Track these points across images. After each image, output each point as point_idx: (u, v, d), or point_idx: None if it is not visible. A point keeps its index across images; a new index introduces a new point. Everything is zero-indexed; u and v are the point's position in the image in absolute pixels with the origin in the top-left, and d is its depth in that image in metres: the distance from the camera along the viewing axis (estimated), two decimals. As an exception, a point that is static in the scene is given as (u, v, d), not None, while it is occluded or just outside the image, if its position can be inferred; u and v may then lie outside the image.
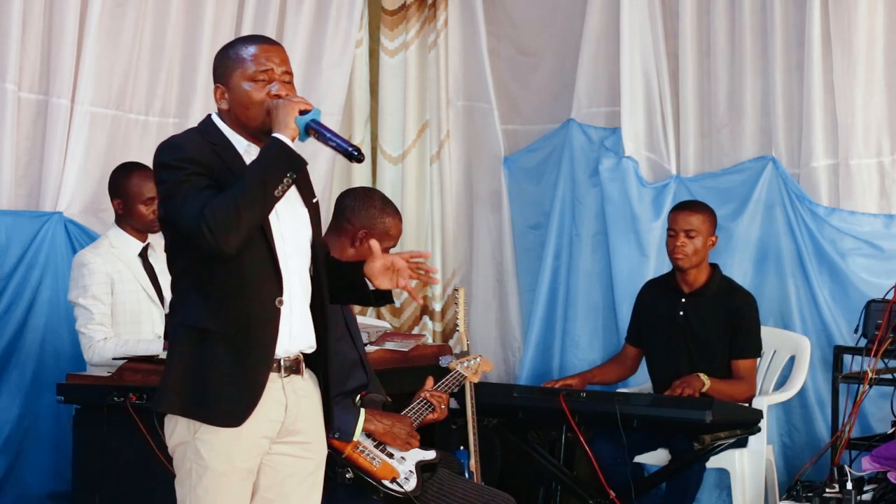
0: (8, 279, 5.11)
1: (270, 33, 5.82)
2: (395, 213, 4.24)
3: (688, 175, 5.97)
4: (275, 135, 2.97)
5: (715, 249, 5.34)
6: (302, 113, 3.00)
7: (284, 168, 2.94)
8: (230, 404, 2.99)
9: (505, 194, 6.43)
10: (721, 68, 5.87)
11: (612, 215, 6.01)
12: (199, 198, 2.92)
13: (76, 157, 5.31)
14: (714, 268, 5.27)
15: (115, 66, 5.46)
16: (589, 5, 6.15)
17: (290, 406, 3.09)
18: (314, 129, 3.02)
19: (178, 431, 3.04)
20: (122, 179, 4.86)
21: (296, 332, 3.10)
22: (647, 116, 6.03)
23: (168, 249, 3.12)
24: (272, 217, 3.04)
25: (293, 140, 2.98)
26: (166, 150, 3.05)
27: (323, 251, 3.23)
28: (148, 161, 5.12)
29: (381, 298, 3.32)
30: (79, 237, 5.22)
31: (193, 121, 5.64)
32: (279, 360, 3.07)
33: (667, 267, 5.40)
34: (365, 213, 4.17)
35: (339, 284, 3.29)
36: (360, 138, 6.43)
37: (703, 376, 5.00)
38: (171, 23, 5.62)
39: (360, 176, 6.43)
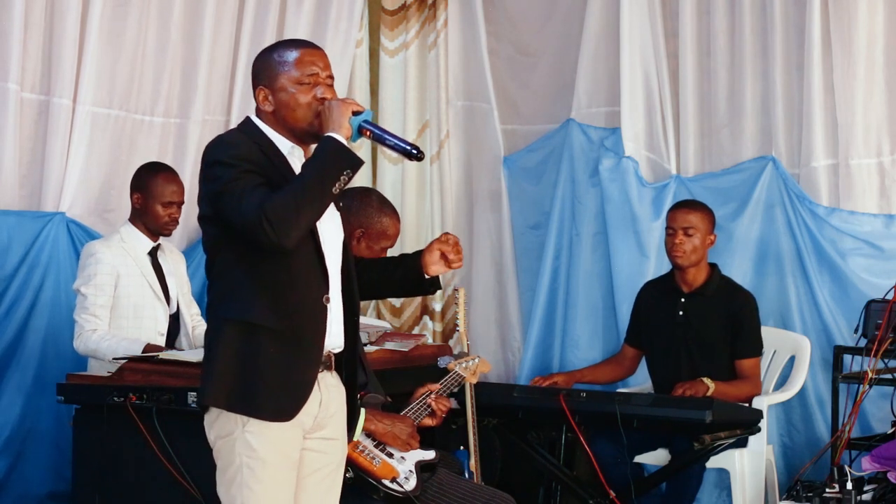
0: (10, 279, 5.12)
1: (270, 33, 5.83)
2: (393, 214, 4.25)
3: (688, 175, 5.97)
4: (329, 134, 3.04)
5: (715, 249, 5.34)
6: (355, 114, 3.07)
7: (342, 166, 3.01)
8: (281, 399, 3.04)
9: (505, 194, 6.44)
10: (721, 68, 5.87)
11: (612, 215, 6.01)
12: (256, 194, 2.97)
13: (78, 158, 5.31)
14: (713, 267, 5.26)
15: (117, 67, 5.47)
16: (589, 5, 6.15)
17: (324, 401, 3.15)
18: (368, 129, 3.10)
19: (225, 427, 3.06)
20: (148, 176, 4.88)
21: (334, 330, 3.16)
22: (647, 116, 6.03)
23: (209, 247, 3.15)
24: None
25: (346, 140, 3.05)
26: (219, 147, 3.09)
27: (350, 253, 3.29)
28: (156, 160, 5.18)
29: (433, 285, 3.48)
30: (81, 238, 5.22)
31: (195, 121, 5.67)
32: None
33: (667, 267, 5.40)
34: (362, 212, 4.19)
35: (395, 278, 3.46)
36: (360, 138, 6.42)
37: (707, 380, 4.99)
38: (174, 23, 5.62)
39: (360, 176, 6.36)
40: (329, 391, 3.16)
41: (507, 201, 6.44)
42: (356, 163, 3.03)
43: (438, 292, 6.49)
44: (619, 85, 6.00)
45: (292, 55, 3.14)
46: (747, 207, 5.76)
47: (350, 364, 3.24)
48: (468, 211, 6.60)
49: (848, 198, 5.56)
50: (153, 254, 4.90)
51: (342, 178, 3.00)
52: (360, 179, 6.40)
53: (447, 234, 3.49)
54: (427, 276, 3.44)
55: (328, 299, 3.12)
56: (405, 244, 6.46)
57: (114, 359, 4.43)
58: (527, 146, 6.48)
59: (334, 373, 3.21)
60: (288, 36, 5.94)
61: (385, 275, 3.45)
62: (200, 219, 3.16)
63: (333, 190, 3.00)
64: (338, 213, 3.24)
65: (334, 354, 3.20)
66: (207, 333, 3.15)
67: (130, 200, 4.91)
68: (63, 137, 5.27)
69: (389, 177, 6.52)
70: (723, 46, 5.87)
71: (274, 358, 3.03)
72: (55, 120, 5.25)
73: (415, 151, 3.12)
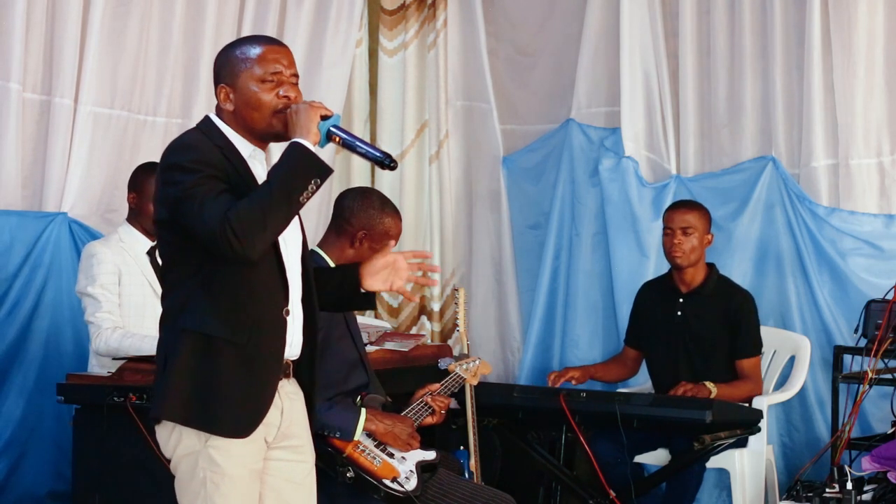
0: (12, 280, 5.10)
1: (270, 33, 5.82)
2: (395, 213, 4.23)
3: (688, 175, 5.98)
4: (298, 140, 2.92)
5: (715, 249, 5.34)
6: (323, 118, 2.97)
7: (311, 175, 2.88)
8: (239, 415, 2.95)
9: (504, 194, 6.43)
10: (721, 68, 5.87)
11: (611, 215, 6.01)
12: (219, 202, 2.85)
13: (80, 158, 5.31)
14: (711, 267, 5.26)
15: (119, 66, 5.47)
16: (588, 5, 6.15)
17: (286, 410, 3.07)
18: (338, 135, 2.99)
19: (186, 441, 2.97)
20: (144, 176, 4.87)
21: (295, 339, 3.08)
22: (647, 116, 6.03)
23: (166, 254, 3.06)
24: None
25: (313, 145, 2.93)
26: (178, 150, 2.98)
27: (310, 260, 3.19)
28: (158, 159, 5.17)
29: (367, 302, 3.28)
30: (83, 238, 5.21)
31: (197, 121, 5.65)
32: None
33: (667, 266, 5.40)
34: (364, 213, 4.15)
35: (329, 285, 3.24)
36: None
37: (709, 384, 4.99)
38: (175, 23, 5.62)
39: (359, 175, 6.44)
40: (290, 399, 3.09)
41: (507, 201, 6.44)
42: (325, 171, 2.90)
43: (437, 292, 6.49)
44: (619, 85, 6.00)
45: (255, 52, 3.01)
46: (747, 207, 5.76)
47: (307, 367, 3.16)
48: (467, 211, 6.59)
49: (848, 198, 5.56)
50: (152, 253, 4.90)
51: (310, 187, 2.87)
52: (359, 178, 6.41)
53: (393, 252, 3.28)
54: (363, 290, 3.22)
55: (288, 312, 3.02)
56: (404, 245, 6.45)
57: (114, 358, 4.42)
58: (526, 146, 6.47)
59: (293, 379, 3.12)
60: (287, 36, 5.94)
61: (322, 282, 3.22)
62: (156, 223, 3.05)
63: (301, 199, 2.87)
64: (297, 218, 3.10)
65: (292, 361, 3.11)
66: (162, 344, 3.03)
67: (127, 200, 4.91)
68: (65, 137, 5.26)
69: (388, 176, 6.51)
70: (723, 46, 5.87)
71: (232, 372, 2.93)
72: (57, 120, 5.24)
73: (387, 161, 2.99)
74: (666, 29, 6.04)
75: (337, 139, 2.99)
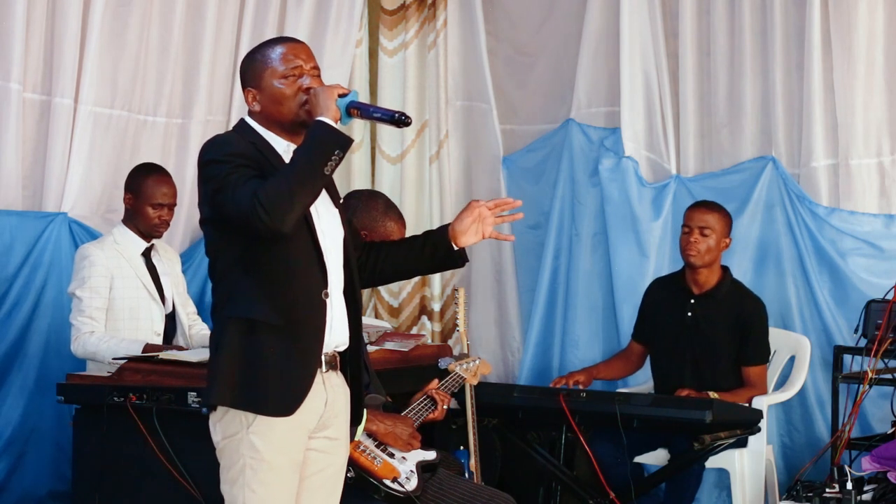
0: (12, 280, 5.12)
1: (271, 34, 5.82)
2: (399, 218, 4.27)
3: (688, 175, 5.97)
4: (319, 118, 3.05)
5: (715, 249, 5.34)
6: (341, 96, 3.09)
7: (331, 147, 3.02)
8: (281, 393, 3.04)
9: (504, 194, 6.41)
10: (721, 68, 5.87)
11: (611, 215, 6.01)
12: (250, 184, 2.98)
13: (80, 158, 5.31)
14: (725, 270, 5.25)
15: (119, 66, 5.47)
16: (588, 5, 6.15)
17: (329, 401, 3.15)
18: (355, 108, 3.11)
19: (230, 427, 3.07)
20: (139, 177, 4.88)
21: (335, 328, 3.16)
22: (647, 116, 6.03)
23: (211, 250, 3.16)
24: (314, 213, 3.12)
25: (336, 122, 3.06)
26: (212, 147, 3.11)
27: (353, 251, 3.29)
28: (159, 160, 5.19)
29: (462, 257, 3.43)
30: (83, 238, 5.21)
31: (197, 121, 5.67)
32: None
33: (667, 267, 5.40)
34: (367, 215, 4.20)
35: (424, 254, 3.39)
36: (360, 138, 6.44)
37: (712, 394, 4.99)
38: (176, 23, 5.62)
39: (359, 176, 6.43)
40: (335, 391, 3.17)
41: (507, 201, 6.42)
42: (345, 142, 3.04)
43: (437, 292, 6.49)
44: (619, 85, 6.00)
45: (274, 52, 3.17)
46: (747, 207, 5.76)
47: (354, 363, 3.26)
48: (468, 211, 6.58)
49: (848, 198, 5.56)
50: (147, 254, 4.90)
51: (333, 158, 3.01)
52: (359, 179, 6.40)
53: (476, 201, 3.42)
54: (456, 249, 3.39)
55: (327, 294, 3.12)
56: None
57: (113, 359, 4.42)
58: (526, 146, 6.47)
59: (339, 373, 3.22)
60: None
61: (413, 253, 3.41)
62: (202, 222, 3.17)
63: (325, 171, 3.01)
64: (337, 211, 3.25)
65: (339, 353, 3.20)
66: (212, 335, 3.16)
67: (123, 201, 4.91)
68: (65, 137, 5.26)
69: (388, 176, 6.52)
70: (723, 46, 5.86)
71: (274, 353, 3.04)
72: (57, 120, 5.24)
73: (403, 118, 3.12)
74: (666, 29, 6.04)
75: (356, 112, 3.12)
